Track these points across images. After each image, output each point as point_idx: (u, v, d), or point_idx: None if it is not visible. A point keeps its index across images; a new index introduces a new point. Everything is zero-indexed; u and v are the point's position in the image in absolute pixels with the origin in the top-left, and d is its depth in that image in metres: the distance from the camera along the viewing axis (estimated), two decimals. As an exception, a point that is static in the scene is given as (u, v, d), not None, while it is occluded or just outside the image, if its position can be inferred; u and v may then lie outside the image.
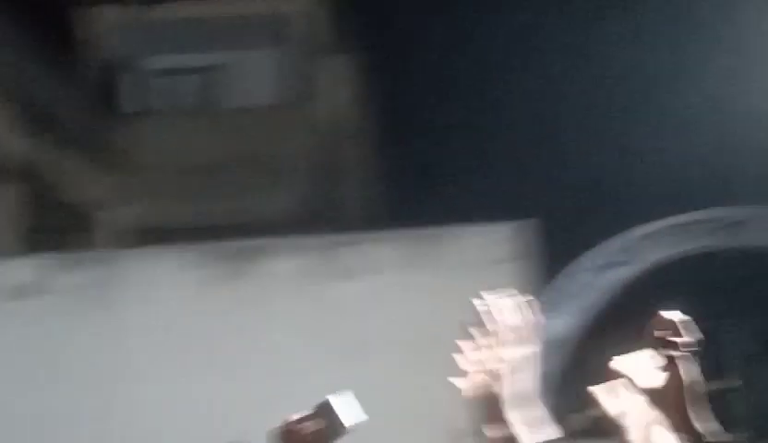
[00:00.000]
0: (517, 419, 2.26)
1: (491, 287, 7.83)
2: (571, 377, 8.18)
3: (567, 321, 8.44)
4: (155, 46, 18.24)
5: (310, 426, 2.38)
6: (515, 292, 2.49)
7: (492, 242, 9.11)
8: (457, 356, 2.38)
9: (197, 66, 18.75)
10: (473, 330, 2.38)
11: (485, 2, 16.83)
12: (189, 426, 8.27)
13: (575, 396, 8.29)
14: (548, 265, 9.39)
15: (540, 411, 2.31)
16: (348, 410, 2.51)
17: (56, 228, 14.52)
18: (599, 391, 2.38)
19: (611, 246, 8.63)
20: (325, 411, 2.49)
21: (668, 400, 2.21)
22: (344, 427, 2.48)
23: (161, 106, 18.83)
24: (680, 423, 2.20)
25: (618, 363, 2.37)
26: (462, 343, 2.40)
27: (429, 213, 10.22)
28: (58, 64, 15.74)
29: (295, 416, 2.53)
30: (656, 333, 2.28)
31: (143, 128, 17.33)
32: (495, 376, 2.30)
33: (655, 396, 2.23)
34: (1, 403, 9.23)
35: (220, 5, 17.80)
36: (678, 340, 2.26)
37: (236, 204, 16.45)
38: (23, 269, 9.90)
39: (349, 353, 9.34)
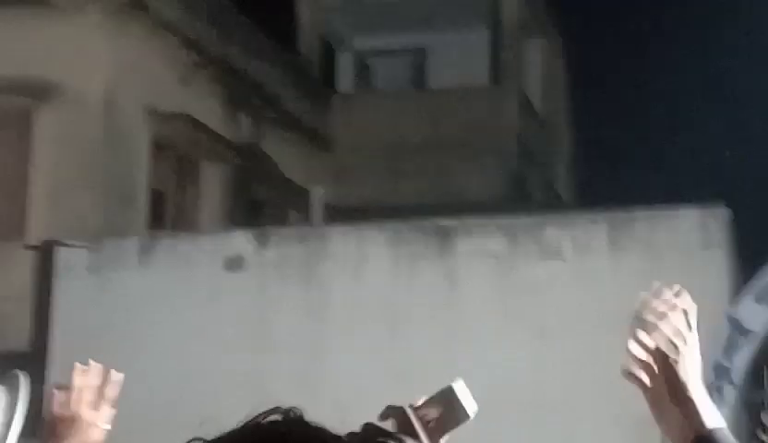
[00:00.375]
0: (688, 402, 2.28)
1: (694, 271, 7.92)
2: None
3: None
4: (367, 27, 18.72)
5: (432, 412, 2.24)
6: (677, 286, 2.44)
7: (691, 227, 9.12)
8: (629, 342, 2.42)
9: (407, 47, 19.15)
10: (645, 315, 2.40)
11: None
12: (385, 397, 8.65)
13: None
14: (748, 253, 9.39)
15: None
16: (468, 397, 2.42)
17: (271, 203, 15.15)
18: None
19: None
20: (448, 397, 2.36)
21: None
22: (468, 415, 2.37)
23: (373, 86, 19.34)
24: None
25: None
26: (633, 329, 2.45)
27: (626, 196, 10.31)
28: (279, 47, 16.36)
29: (420, 401, 2.40)
30: None
31: (356, 107, 17.83)
32: (662, 361, 2.30)
33: None
34: (214, 363, 9.77)
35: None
36: None
37: (444, 183, 16.73)
38: (238, 242, 10.42)
39: (548, 332, 9.48)
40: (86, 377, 2.37)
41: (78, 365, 2.40)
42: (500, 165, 17.06)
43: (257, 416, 1.20)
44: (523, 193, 17.01)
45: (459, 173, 16.88)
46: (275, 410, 1.21)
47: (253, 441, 1.16)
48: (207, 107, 13.73)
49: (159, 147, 13.14)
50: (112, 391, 2.37)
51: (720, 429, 2.27)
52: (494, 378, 9.61)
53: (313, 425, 1.21)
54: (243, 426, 1.19)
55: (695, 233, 9.02)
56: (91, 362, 2.41)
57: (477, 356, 9.62)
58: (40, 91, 12.18)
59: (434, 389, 2.43)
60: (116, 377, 2.40)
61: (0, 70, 11.49)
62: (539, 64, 19.23)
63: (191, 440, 1.20)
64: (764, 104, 16.05)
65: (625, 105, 18.26)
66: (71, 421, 2.33)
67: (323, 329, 9.86)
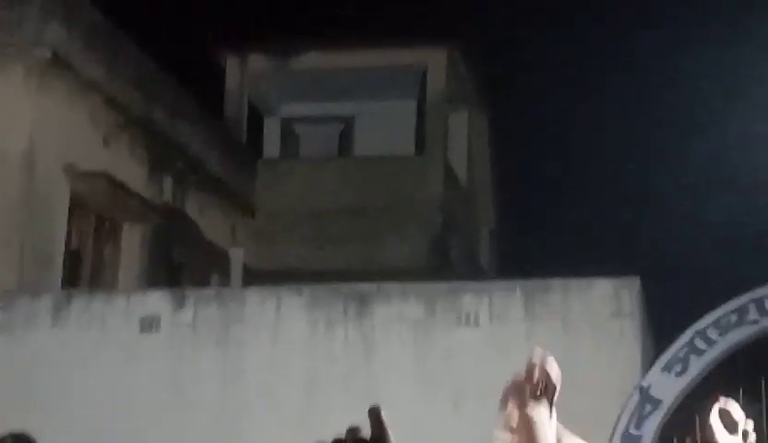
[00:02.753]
0: None
1: (605, 339, 7.98)
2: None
3: (689, 378, 8.43)
4: (295, 94, 18.83)
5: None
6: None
7: (604, 296, 9.25)
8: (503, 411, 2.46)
9: (334, 115, 19.27)
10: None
11: (605, 68, 17.22)
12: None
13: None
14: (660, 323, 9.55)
15: None
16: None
17: (192, 266, 15.07)
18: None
19: (741, 304, 8.57)
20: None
21: None
22: None
23: (299, 152, 19.41)
24: None
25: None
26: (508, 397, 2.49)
27: (547, 267, 10.45)
28: (205, 110, 16.38)
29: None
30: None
31: (281, 173, 17.87)
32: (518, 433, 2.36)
33: None
34: (130, 426, 9.66)
35: (358, 57, 18.25)
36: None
37: (367, 250, 16.78)
38: (155, 303, 10.35)
39: (463, 398, 9.50)
40: None
41: None
42: (423, 234, 17.17)
43: None
44: (446, 262, 17.11)
45: (382, 242, 16.95)
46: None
47: None
48: (129, 168, 13.67)
49: (78, 206, 13.04)
50: None
51: None
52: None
53: None
54: None
55: (607, 303, 9.15)
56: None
57: (393, 421, 9.60)
58: (-42, 147, 12.07)
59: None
60: None
61: None
62: (464, 135, 19.45)
63: None
64: (681, 182, 16.41)
65: (548, 177, 18.56)
66: None
67: (239, 392, 9.80)
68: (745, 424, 2.44)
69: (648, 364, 8.57)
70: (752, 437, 2.49)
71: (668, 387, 7.85)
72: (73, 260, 13.01)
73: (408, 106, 18.86)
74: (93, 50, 13.12)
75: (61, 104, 12.53)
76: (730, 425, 2.43)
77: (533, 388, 2.18)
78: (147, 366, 10.00)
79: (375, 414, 1.56)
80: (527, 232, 17.86)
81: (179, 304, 10.26)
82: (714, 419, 2.42)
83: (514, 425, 2.17)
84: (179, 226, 14.65)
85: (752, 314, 8.36)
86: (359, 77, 18.33)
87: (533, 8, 17.24)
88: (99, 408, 9.61)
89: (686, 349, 8.25)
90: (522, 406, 2.15)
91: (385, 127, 18.67)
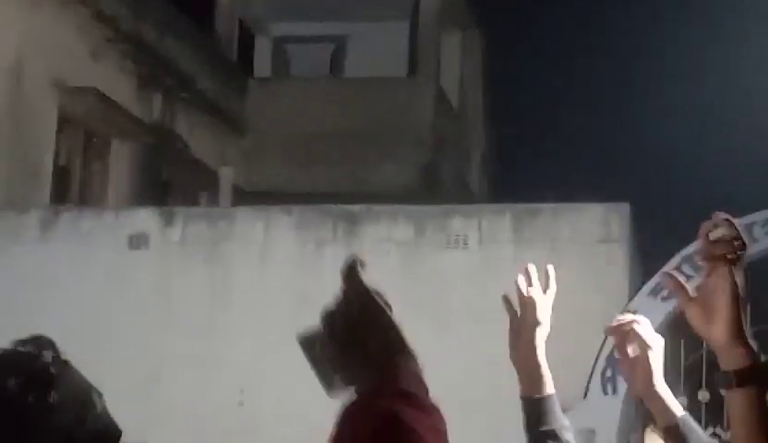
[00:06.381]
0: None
1: (593, 264, 7.99)
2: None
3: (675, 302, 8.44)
4: (287, 13, 18.65)
5: None
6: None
7: (593, 221, 9.25)
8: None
9: (326, 35, 19.12)
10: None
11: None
12: (285, 380, 8.57)
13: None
14: (645, 246, 9.56)
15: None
16: None
17: (181, 184, 15.02)
18: None
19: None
20: None
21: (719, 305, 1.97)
22: None
23: (288, 72, 19.28)
24: (729, 332, 1.96)
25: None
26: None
27: (536, 191, 10.45)
28: (195, 27, 16.22)
29: None
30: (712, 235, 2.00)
31: (271, 93, 17.75)
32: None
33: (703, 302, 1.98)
34: (116, 343, 9.68)
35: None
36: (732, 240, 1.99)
37: (356, 172, 16.72)
38: (143, 220, 10.32)
39: (451, 319, 9.52)
40: None
41: None
42: (413, 157, 17.10)
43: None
44: (435, 185, 17.07)
45: (372, 163, 16.89)
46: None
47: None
48: (118, 84, 13.55)
49: (67, 122, 12.94)
50: None
51: (686, 416, 2.43)
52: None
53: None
54: None
55: (596, 228, 9.15)
56: None
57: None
58: (-55, 60, 11.94)
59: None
60: None
61: None
62: (457, 57, 19.31)
63: None
64: (674, 111, 16.36)
65: (541, 101, 18.48)
66: None
67: (226, 310, 9.81)
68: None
69: (636, 289, 8.59)
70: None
71: (655, 311, 7.85)
72: (61, 176, 12.94)
73: (401, 27, 18.70)
74: (82, -37, 12.94)
75: (49, 18, 12.38)
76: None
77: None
78: (135, 284, 9.99)
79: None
80: (519, 156, 17.83)
81: (168, 221, 10.23)
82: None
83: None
84: (168, 144, 14.56)
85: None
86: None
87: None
88: (85, 324, 9.61)
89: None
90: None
91: (377, 48, 18.53)
